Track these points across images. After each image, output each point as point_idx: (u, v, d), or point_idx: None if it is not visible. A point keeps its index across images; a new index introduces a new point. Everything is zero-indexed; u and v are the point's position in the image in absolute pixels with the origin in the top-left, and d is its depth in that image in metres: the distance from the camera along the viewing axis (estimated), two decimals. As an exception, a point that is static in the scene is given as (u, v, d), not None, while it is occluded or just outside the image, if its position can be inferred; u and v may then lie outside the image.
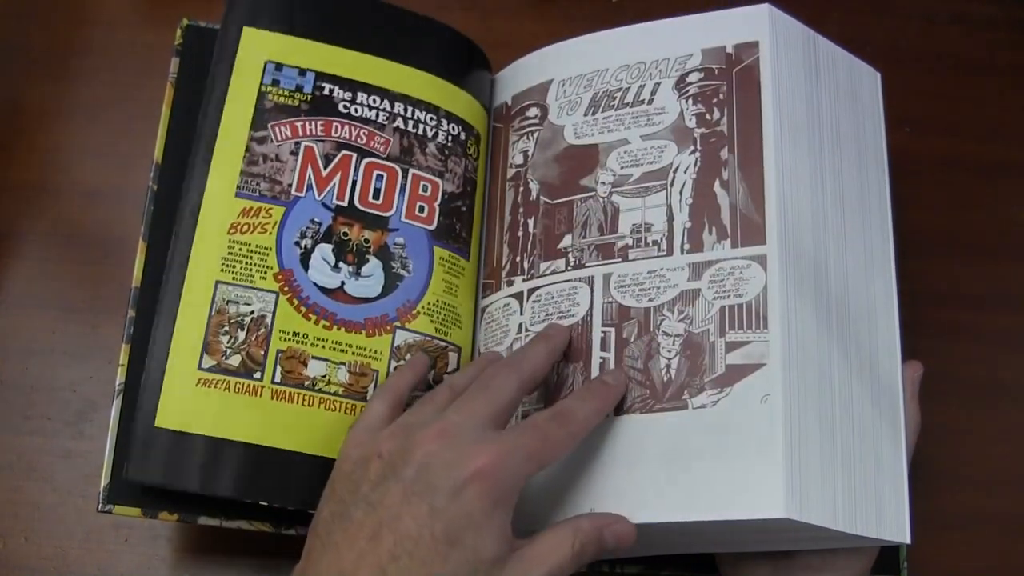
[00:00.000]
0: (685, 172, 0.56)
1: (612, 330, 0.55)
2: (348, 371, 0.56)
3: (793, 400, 0.50)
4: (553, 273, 0.57)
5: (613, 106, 0.59)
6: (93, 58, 0.72)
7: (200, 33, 0.64)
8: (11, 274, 0.67)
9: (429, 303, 0.58)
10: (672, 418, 0.52)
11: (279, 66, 0.60)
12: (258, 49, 0.60)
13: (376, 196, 0.59)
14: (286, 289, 0.57)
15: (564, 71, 0.61)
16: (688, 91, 0.58)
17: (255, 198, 0.58)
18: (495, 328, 0.59)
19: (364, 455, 0.48)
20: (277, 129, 0.59)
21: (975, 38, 0.76)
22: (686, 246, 0.55)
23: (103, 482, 0.57)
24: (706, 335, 0.53)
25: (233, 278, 0.56)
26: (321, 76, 0.60)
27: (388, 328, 0.57)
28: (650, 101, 0.58)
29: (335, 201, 0.58)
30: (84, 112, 0.71)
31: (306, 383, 0.56)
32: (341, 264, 0.58)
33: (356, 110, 0.60)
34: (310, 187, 0.58)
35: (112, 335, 0.64)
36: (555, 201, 0.59)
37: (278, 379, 0.55)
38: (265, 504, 0.54)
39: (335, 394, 0.56)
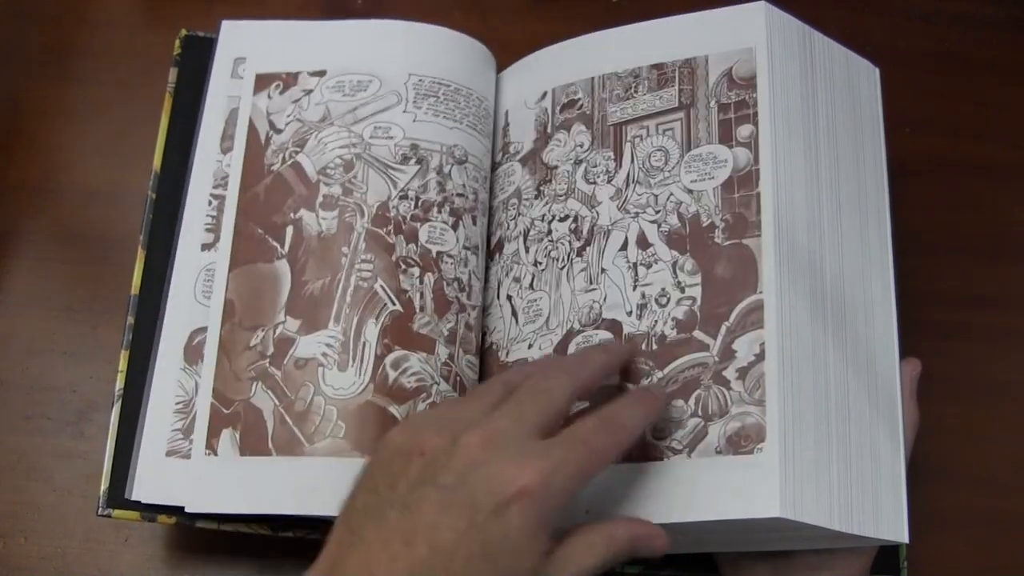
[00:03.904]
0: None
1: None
2: None
3: (787, 397, 0.50)
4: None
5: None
6: (93, 58, 0.72)
7: (198, 43, 0.65)
8: (11, 274, 0.67)
9: None
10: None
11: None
12: None
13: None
14: None
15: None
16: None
17: None
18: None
19: (406, 447, 0.45)
20: None
21: (975, 38, 0.76)
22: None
23: (103, 486, 0.57)
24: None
25: None
26: None
27: None
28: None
29: None
30: (84, 112, 0.71)
31: None
32: None
33: None
34: None
35: (112, 335, 0.64)
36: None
37: None
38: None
39: None
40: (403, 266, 0.58)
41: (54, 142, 0.70)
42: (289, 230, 0.59)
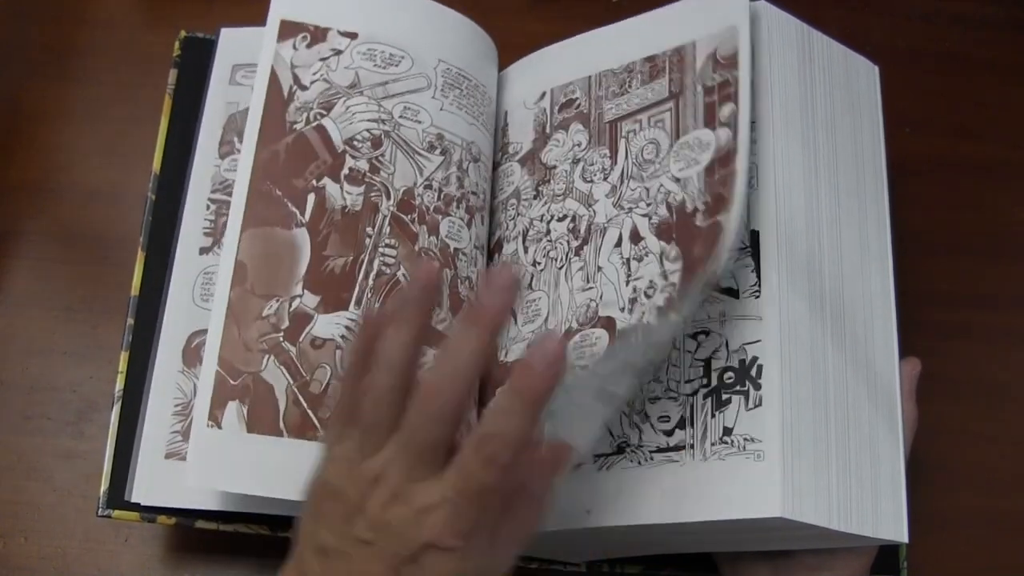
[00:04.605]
0: None
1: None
2: None
3: (786, 395, 0.50)
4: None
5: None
6: (93, 58, 0.72)
7: (198, 44, 0.65)
8: (11, 274, 0.67)
9: None
10: None
11: None
12: None
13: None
14: None
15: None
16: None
17: None
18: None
19: (333, 491, 0.45)
20: None
21: (975, 38, 0.76)
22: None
23: (103, 487, 0.57)
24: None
25: None
26: None
27: None
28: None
29: None
30: (84, 112, 0.71)
31: None
32: None
33: None
34: None
35: (112, 335, 0.64)
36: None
37: None
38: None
39: None
40: (425, 258, 0.57)
41: (54, 142, 0.70)
42: (311, 198, 0.56)
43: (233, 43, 0.64)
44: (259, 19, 0.64)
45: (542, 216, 0.59)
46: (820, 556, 0.54)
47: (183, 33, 0.66)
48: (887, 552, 0.58)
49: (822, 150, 0.56)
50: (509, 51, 0.65)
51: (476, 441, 0.43)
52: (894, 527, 0.52)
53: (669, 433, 0.51)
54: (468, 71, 0.61)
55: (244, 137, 0.57)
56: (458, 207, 0.59)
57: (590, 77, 0.60)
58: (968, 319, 0.69)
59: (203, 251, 0.60)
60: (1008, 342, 0.69)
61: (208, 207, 0.61)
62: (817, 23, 0.58)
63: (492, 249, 0.62)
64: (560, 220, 0.59)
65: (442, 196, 0.58)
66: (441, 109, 0.60)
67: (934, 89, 0.74)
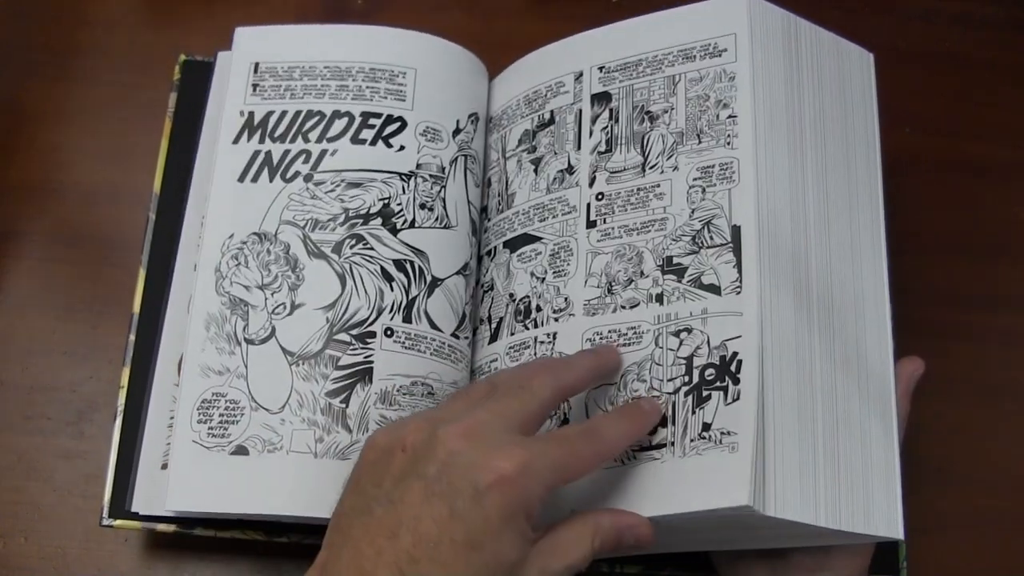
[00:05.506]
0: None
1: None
2: None
3: (766, 389, 0.50)
4: None
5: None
6: (93, 58, 0.72)
7: (197, 67, 0.65)
8: (11, 274, 0.67)
9: None
10: None
11: None
12: None
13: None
14: None
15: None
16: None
17: None
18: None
19: (389, 445, 0.46)
20: None
21: (975, 38, 0.76)
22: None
23: (106, 497, 0.58)
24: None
25: None
26: None
27: None
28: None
29: None
30: (84, 112, 0.71)
31: None
32: None
33: None
34: None
35: (112, 335, 0.64)
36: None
37: None
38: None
39: None
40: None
41: (54, 142, 0.70)
42: None
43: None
44: (258, 20, 0.64)
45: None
46: (816, 556, 0.54)
47: (183, 57, 0.66)
48: (886, 552, 0.58)
49: (809, 143, 0.55)
50: (509, 51, 0.65)
51: (587, 425, 0.49)
52: (888, 524, 0.51)
53: (651, 431, 0.51)
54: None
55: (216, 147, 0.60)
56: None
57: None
58: (968, 319, 0.69)
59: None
60: (1008, 342, 0.69)
61: (203, 225, 0.61)
62: (817, 23, 0.58)
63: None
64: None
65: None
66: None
67: (934, 89, 0.74)
